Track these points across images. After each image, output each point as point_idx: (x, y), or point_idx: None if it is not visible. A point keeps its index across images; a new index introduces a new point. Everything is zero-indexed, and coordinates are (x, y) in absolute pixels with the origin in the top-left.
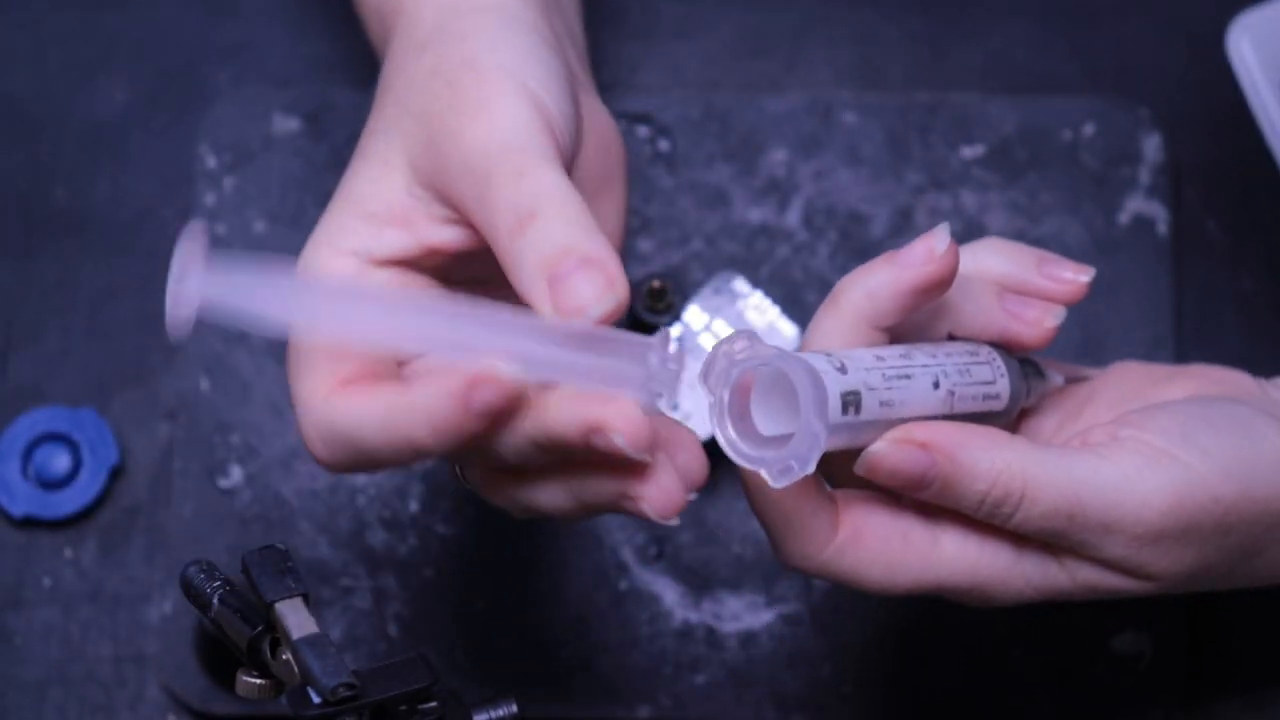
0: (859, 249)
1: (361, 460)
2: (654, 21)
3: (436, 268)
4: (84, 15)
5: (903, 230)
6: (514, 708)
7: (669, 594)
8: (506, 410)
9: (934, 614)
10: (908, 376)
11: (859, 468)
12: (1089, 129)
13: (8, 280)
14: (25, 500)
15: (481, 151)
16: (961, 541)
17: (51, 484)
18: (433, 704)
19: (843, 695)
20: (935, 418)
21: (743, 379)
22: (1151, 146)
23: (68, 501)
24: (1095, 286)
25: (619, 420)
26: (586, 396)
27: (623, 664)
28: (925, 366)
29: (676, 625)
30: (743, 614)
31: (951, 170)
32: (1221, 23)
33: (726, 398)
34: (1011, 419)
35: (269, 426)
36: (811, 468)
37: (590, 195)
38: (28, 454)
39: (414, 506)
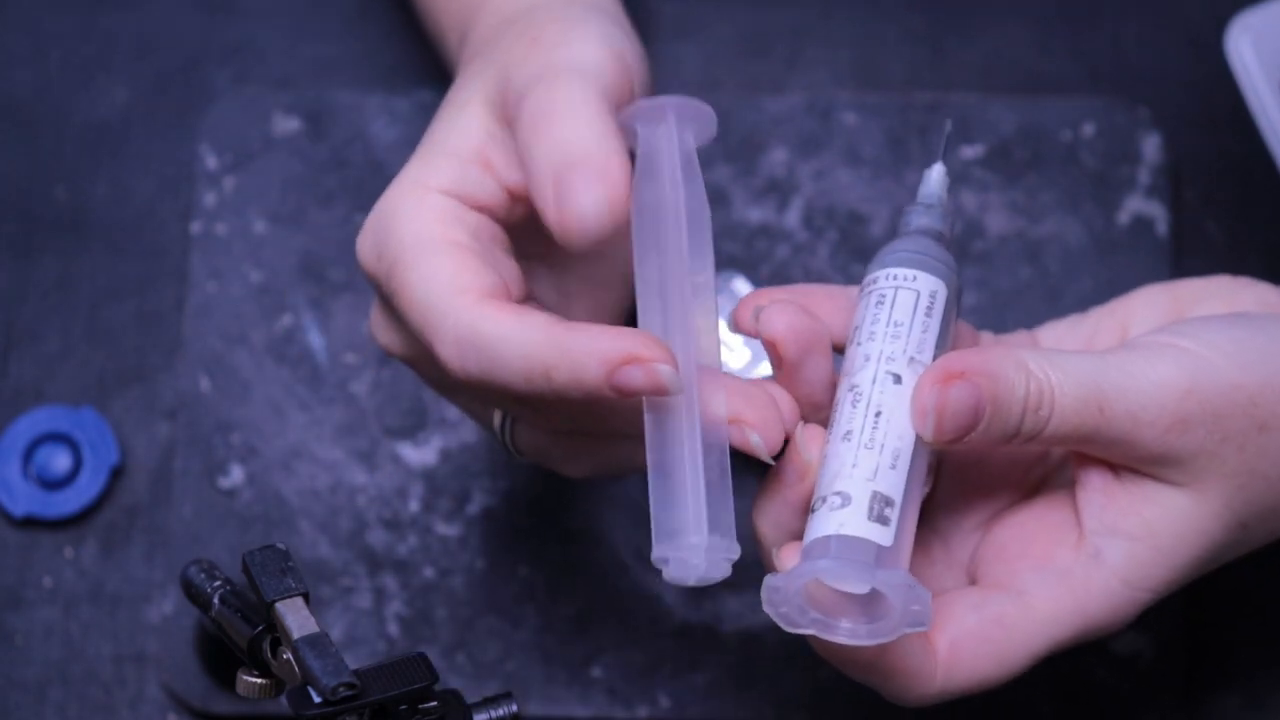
0: (859, 249)
1: (491, 373)
2: (654, 21)
3: (519, 227)
4: (84, 15)
5: None
6: (514, 708)
7: (669, 594)
8: (646, 393)
9: None
10: (879, 413)
11: (924, 432)
12: (1089, 129)
13: (8, 280)
14: (26, 500)
15: (535, 72)
16: (1042, 580)
17: (52, 484)
18: (433, 704)
19: (843, 695)
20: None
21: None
22: (1151, 146)
23: (68, 501)
24: (1095, 286)
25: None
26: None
27: (623, 664)
28: (874, 381)
29: (676, 625)
30: (743, 614)
31: (951, 170)
32: (1221, 23)
33: (813, 614)
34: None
35: (269, 426)
36: (929, 617)
37: None
38: (28, 454)
39: (414, 506)
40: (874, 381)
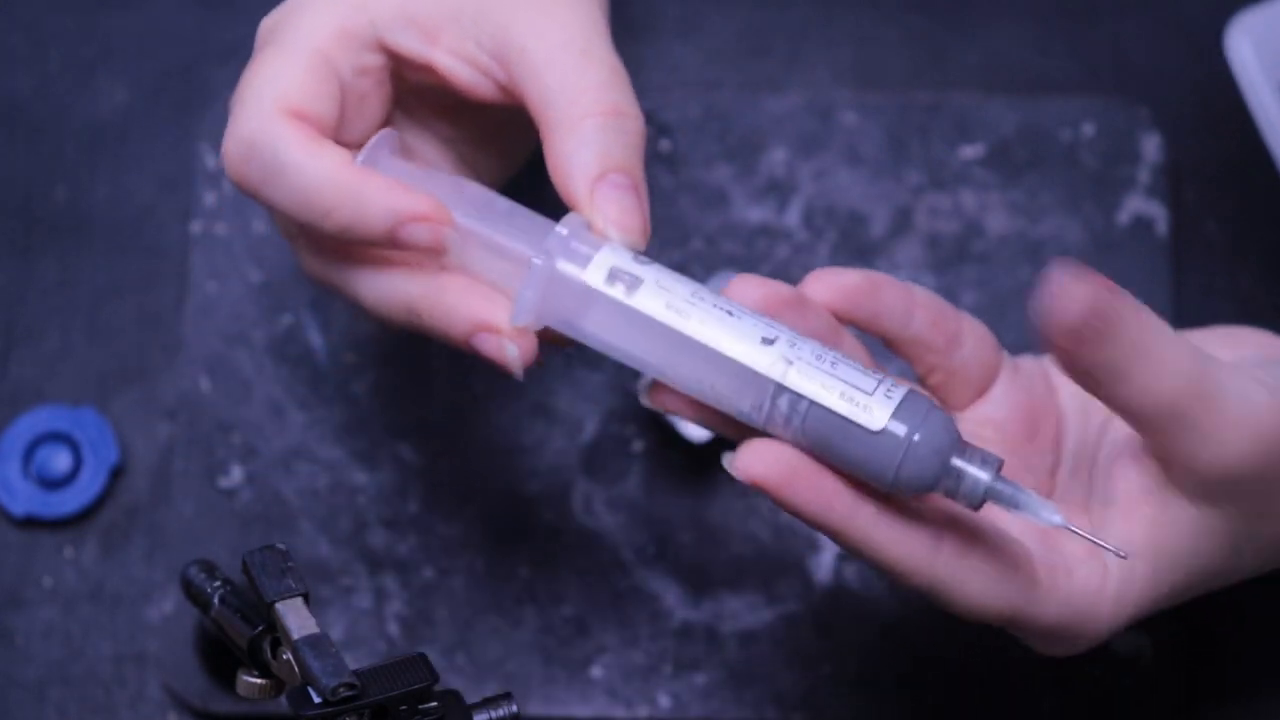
0: (859, 249)
1: (267, 188)
2: (654, 21)
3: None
4: (84, 15)
5: (903, 230)
6: (514, 708)
7: (669, 594)
8: (425, 250)
9: (933, 614)
10: (728, 312)
11: (1054, 312)
12: (1088, 129)
13: (8, 280)
14: (26, 500)
15: (564, 25)
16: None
17: (52, 483)
18: (433, 704)
19: (843, 695)
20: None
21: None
22: (1151, 146)
23: (68, 501)
24: None
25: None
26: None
27: (623, 664)
28: (756, 319)
29: (676, 625)
30: (743, 614)
31: (951, 170)
32: (1221, 22)
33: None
34: (900, 487)
35: (269, 426)
36: (526, 318)
37: None
38: (28, 453)
39: (414, 506)
40: (756, 319)
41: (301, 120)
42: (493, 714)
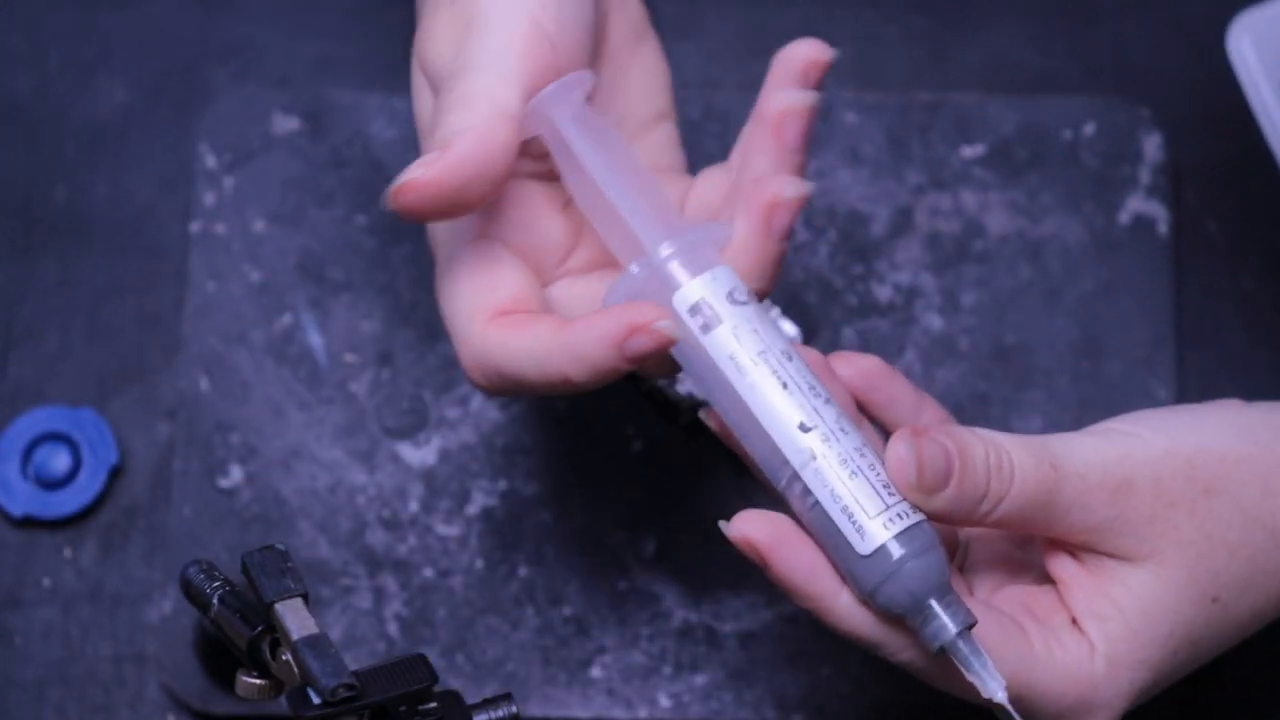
0: (859, 249)
1: (518, 390)
2: (654, 21)
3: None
4: (84, 15)
5: (903, 230)
6: (514, 708)
7: (669, 594)
8: (657, 353)
9: None
10: (783, 384)
11: (906, 481)
12: (1089, 129)
13: (8, 280)
14: (25, 500)
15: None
16: (1048, 644)
17: (51, 484)
18: (432, 705)
19: (843, 695)
20: (781, 507)
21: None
22: (1151, 146)
23: (67, 501)
24: (1095, 286)
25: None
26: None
27: (623, 664)
28: (806, 401)
29: (676, 625)
30: (743, 614)
31: (951, 170)
32: (1221, 22)
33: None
34: (875, 605)
35: (269, 426)
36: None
37: (629, 50)
38: (27, 454)
39: (414, 506)
40: (804, 396)
41: (506, 314)
42: (492, 714)
